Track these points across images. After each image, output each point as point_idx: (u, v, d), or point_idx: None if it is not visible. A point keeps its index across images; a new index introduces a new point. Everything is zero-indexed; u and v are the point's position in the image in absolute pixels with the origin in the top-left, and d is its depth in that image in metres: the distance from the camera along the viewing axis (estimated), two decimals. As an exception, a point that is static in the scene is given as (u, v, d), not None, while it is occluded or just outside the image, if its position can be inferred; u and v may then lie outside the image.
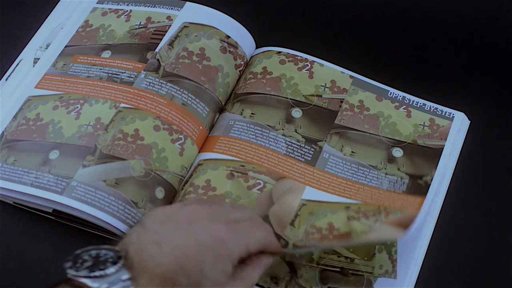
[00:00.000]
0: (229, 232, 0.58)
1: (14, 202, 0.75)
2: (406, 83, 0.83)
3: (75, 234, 0.73)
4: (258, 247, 0.62)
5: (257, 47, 0.87)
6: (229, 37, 0.84)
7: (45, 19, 0.88)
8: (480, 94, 0.84)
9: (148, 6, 0.87)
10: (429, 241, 0.73)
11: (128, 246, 0.57)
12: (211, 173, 0.76)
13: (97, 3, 0.89)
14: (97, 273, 0.54)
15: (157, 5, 0.87)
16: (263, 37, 0.86)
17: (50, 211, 0.73)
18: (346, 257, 0.71)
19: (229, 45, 0.83)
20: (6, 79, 0.83)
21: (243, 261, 0.61)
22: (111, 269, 0.54)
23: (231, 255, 0.58)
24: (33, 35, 0.87)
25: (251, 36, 0.85)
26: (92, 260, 0.55)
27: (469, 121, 0.81)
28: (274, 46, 0.85)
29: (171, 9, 0.86)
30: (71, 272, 0.54)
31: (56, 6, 0.89)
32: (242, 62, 0.84)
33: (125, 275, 0.54)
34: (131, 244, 0.57)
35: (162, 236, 0.57)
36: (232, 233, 0.59)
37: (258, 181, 0.75)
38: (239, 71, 0.84)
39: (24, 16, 0.89)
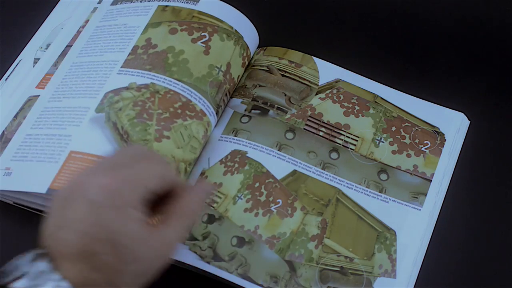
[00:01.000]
0: (116, 180, 0.54)
1: (14, 202, 0.75)
2: (406, 83, 0.83)
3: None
4: (159, 183, 0.57)
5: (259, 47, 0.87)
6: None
7: (45, 19, 0.88)
8: (480, 94, 0.84)
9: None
10: (429, 241, 0.73)
11: (44, 233, 0.54)
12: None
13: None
14: (17, 274, 0.52)
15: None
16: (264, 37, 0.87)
17: (50, 211, 0.74)
18: (346, 257, 0.72)
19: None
20: (6, 79, 0.83)
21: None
22: (27, 266, 0.52)
23: (130, 202, 0.54)
24: (33, 35, 0.87)
25: (258, 38, 0.85)
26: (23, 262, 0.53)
27: (469, 121, 0.81)
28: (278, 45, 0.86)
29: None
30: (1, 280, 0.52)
31: (56, 6, 0.89)
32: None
33: (44, 266, 0.52)
34: (45, 230, 0.54)
35: (60, 217, 0.54)
36: (120, 179, 0.54)
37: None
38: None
39: (24, 16, 0.89)
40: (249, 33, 0.84)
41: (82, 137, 0.74)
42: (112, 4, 0.88)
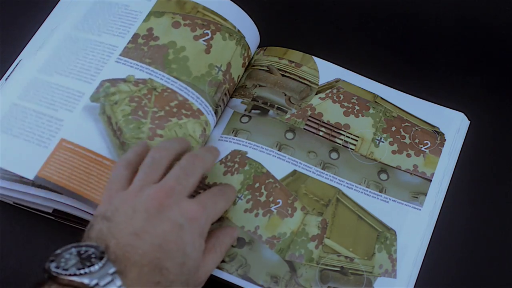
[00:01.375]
0: (200, 210, 0.62)
1: (14, 202, 0.75)
2: (406, 83, 0.83)
3: (75, 234, 0.72)
4: (219, 217, 0.68)
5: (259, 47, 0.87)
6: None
7: (45, 19, 0.88)
8: (480, 94, 0.84)
9: None
10: (429, 241, 0.73)
11: (106, 241, 0.57)
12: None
13: None
14: (86, 270, 0.54)
15: None
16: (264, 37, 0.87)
17: (50, 211, 0.73)
18: (346, 257, 0.72)
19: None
20: (6, 79, 0.83)
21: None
22: (98, 264, 0.55)
23: (203, 231, 0.63)
24: (33, 35, 0.87)
25: (259, 38, 0.85)
26: (76, 258, 0.55)
27: (469, 122, 0.81)
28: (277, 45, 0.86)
29: None
30: (58, 271, 0.55)
31: (56, 6, 0.89)
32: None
33: (112, 269, 0.55)
34: (108, 238, 0.58)
35: (137, 227, 0.58)
36: (202, 210, 0.62)
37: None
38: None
39: (24, 16, 0.89)
40: (251, 33, 0.84)
41: (75, 125, 0.73)
42: None
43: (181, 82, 0.76)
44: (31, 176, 0.69)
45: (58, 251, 0.56)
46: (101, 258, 0.55)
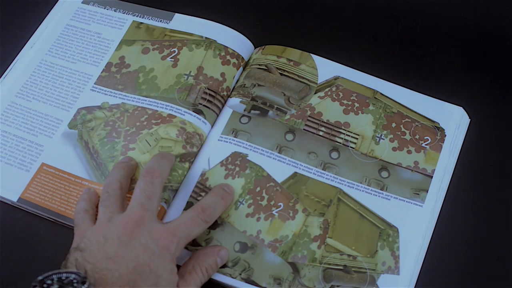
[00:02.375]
0: (169, 237, 0.65)
1: (13, 202, 0.75)
2: (407, 79, 0.83)
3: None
4: (193, 238, 0.70)
5: (256, 47, 0.86)
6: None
7: (44, 19, 0.88)
8: (481, 90, 0.84)
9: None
10: (430, 238, 0.74)
11: (83, 267, 0.60)
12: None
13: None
14: None
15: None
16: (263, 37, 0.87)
17: (49, 212, 0.75)
18: (349, 255, 0.72)
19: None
20: (4, 78, 0.83)
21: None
22: None
23: (173, 256, 0.65)
24: (31, 35, 0.87)
25: (244, 37, 0.85)
26: (57, 283, 0.58)
27: (469, 119, 0.81)
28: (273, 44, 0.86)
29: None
30: None
31: (55, 6, 0.89)
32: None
33: None
34: (84, 265, 0.61)
35: (110, 252, 0.62)
36: (172, 237, 0.65)
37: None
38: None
39: (23, 16, 0.89)
40: (224, 34, 0.85)
41: (55, 151, 0.78)
42: (83, 2, 0.89)
43: (150, 99, 0.80)
44: (14, 198, 0.74)
45: (40, 277, 0.58)
46: (83, 283, 0.57)
